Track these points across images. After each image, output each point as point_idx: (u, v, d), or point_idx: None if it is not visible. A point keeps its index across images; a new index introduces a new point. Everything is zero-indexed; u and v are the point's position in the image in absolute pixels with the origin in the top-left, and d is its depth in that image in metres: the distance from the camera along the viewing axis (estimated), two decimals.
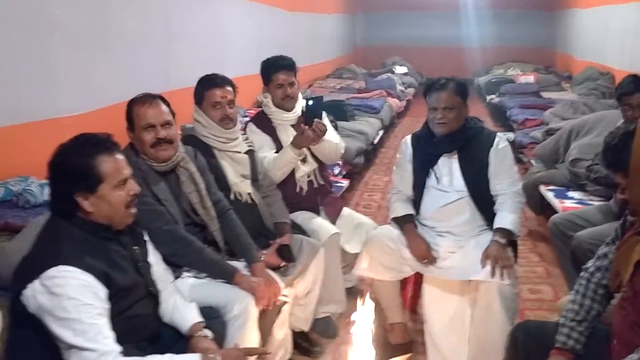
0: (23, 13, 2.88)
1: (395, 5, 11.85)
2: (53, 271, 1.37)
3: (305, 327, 2.46)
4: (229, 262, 2.06)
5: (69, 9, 3.19)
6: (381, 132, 5.76)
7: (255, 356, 1.70)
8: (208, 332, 1.72)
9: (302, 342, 2.49)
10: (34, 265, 1.40)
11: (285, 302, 2.11)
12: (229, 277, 1.97)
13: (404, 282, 2.55)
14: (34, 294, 1.37)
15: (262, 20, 6.48)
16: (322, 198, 2.72)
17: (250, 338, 1.88)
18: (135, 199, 1.57)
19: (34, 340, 1.41)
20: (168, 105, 2.01)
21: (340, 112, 5.21)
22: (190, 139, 2.31)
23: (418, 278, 2.49)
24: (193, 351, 1.63)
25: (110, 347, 1.39)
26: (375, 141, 5.45)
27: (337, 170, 4.15)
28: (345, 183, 3.85)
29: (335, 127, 4.81)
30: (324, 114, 2.63)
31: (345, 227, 2.71)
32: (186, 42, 4.66)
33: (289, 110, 2.61)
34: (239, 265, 2.07)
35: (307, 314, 2.43)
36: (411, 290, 2.68)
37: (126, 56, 3.81)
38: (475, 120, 2.46)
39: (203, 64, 3.45)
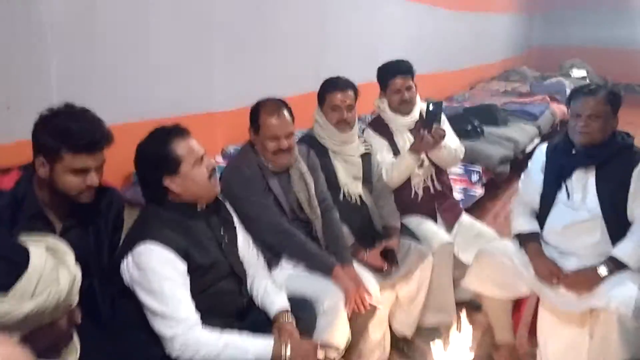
0: (187, 15, 3.26)
1: (581, 3, 10.78)
2: (140, 248, 1.58)
3: (408, 333, 2.44)
4: None
5: (228, 11, 3.53)
6: (537, 140, 5.32)
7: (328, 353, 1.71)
8: (292, 319, 1.80)
9: (405, 347, 2.48)
10: (128, 244, 1.63)
11: (376, 308, 2.10)
12: (329, 270, 2.02)
13: (519, 302, 2.39)
14: (127, 268, 1.60)
15: (421, 20, 6.40)
16: (439, 204, 2.66)
17: (339, 334, 1.92)
18: (214, 172, 1.72)
19: (133, 309, 1.62)
20: (290, 112, 2.11)
21: (489, 117, 4.98)
22: (307, 138, 2.43)
23: (538, 299, 2.31)
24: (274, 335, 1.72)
25: (189, 316, 1.56)
26: (528, 149, 5.06)
27: (475, 177, 3.97)
28: (479, 192, 3.67)
29: (481, 132, 4.65)
30: (444, 117, 2.56)
31: (463, 236, 2.63)
32: (341, 43, 4.78)
33: (406, 114, 2.60)
34: None
35: (411, 320, 2.42)
36: (530, 311, 2.49)
37: (279, 56, 4.07)
38: (624, 135, 2.21)
39: (357, 66, 3.49)
